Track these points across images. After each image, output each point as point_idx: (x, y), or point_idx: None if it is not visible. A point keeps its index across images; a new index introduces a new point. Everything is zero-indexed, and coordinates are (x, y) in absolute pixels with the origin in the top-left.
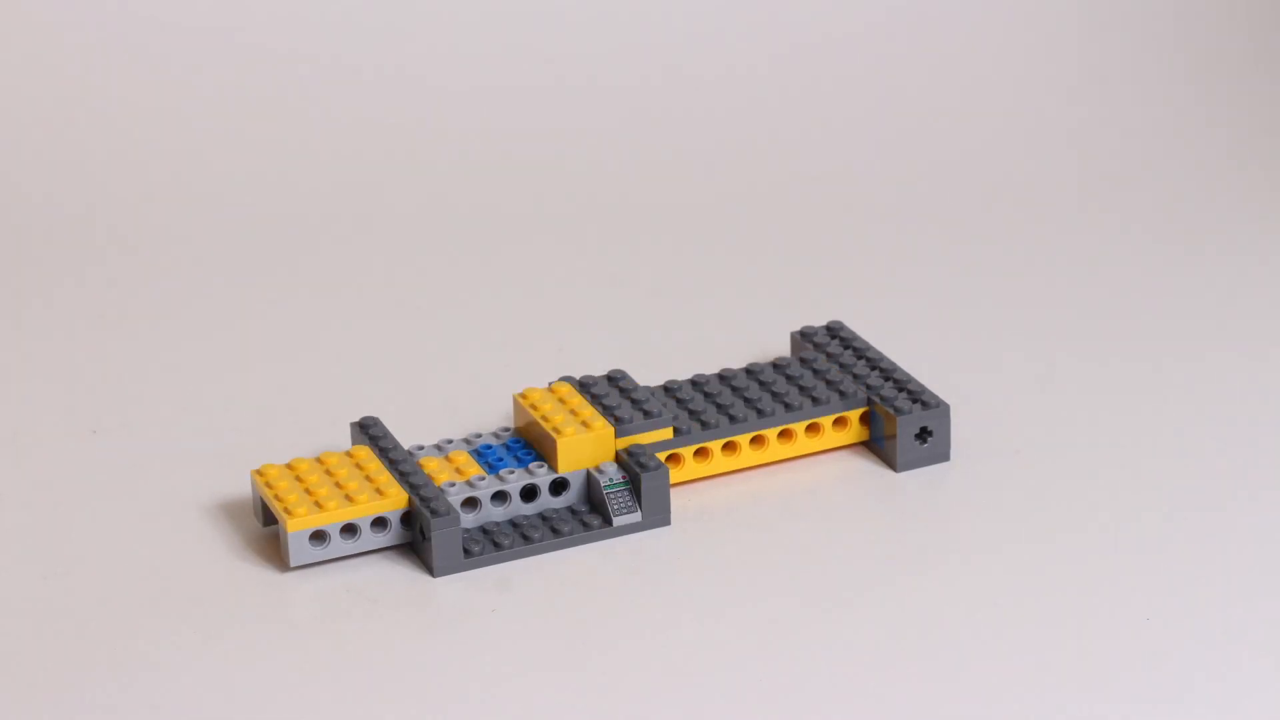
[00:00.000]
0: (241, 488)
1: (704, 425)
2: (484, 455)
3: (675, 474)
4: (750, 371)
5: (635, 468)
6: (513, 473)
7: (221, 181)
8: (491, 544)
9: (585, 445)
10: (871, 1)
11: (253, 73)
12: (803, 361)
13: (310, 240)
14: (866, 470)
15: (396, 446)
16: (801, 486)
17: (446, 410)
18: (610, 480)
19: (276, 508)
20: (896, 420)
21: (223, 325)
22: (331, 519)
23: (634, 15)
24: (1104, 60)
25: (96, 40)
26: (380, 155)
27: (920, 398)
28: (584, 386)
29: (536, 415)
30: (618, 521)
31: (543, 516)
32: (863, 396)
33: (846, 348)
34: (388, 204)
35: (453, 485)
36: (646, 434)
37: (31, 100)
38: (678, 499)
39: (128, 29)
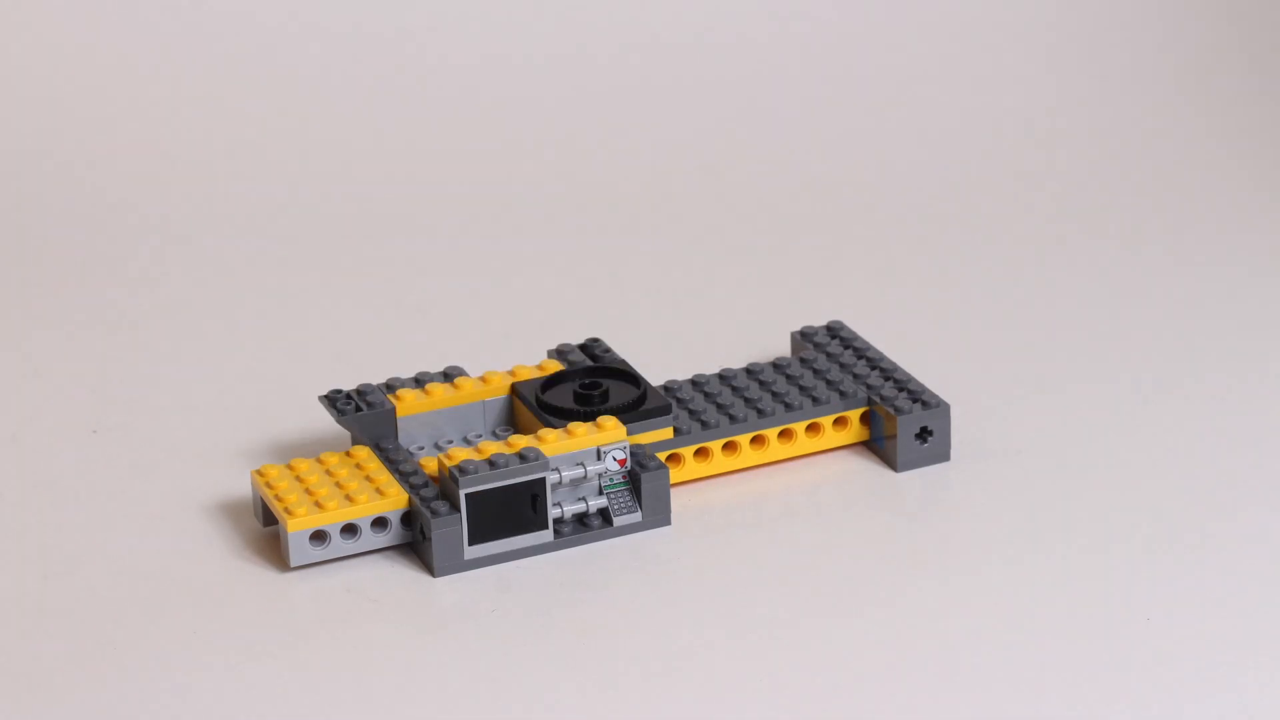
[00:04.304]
0: (241, 488)
1: (704, 425)
2: None
3: (675, 474)
4: (750, 371)
5: (635, 468)
6: None
7: (221, 181)
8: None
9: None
10: (873, 2)
11: (250, 71)
12: (803, 361)
13: (311, 240)
14: (866, 470)
15: (397, 446)
16: (801, 486)
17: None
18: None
19: (276, 508)
20: (896, 420)
21: (223, 325)
22: (331, 519)
23: (637, 14)
24: (1105, 61)
25: (93, 40)
26: (380, 154)
27: (920, 398)
28: None
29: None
30: (618, 521)
31: None
32: (863, 396)
33: (846, 348)
34: (389, 204)
35: None
36: (646, 434)
37: (31, 100)
38: (678, 499)
39: (122, 28)
